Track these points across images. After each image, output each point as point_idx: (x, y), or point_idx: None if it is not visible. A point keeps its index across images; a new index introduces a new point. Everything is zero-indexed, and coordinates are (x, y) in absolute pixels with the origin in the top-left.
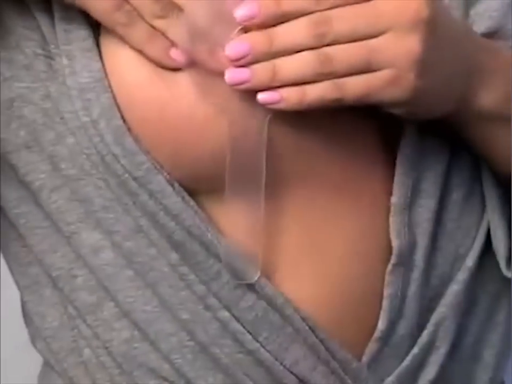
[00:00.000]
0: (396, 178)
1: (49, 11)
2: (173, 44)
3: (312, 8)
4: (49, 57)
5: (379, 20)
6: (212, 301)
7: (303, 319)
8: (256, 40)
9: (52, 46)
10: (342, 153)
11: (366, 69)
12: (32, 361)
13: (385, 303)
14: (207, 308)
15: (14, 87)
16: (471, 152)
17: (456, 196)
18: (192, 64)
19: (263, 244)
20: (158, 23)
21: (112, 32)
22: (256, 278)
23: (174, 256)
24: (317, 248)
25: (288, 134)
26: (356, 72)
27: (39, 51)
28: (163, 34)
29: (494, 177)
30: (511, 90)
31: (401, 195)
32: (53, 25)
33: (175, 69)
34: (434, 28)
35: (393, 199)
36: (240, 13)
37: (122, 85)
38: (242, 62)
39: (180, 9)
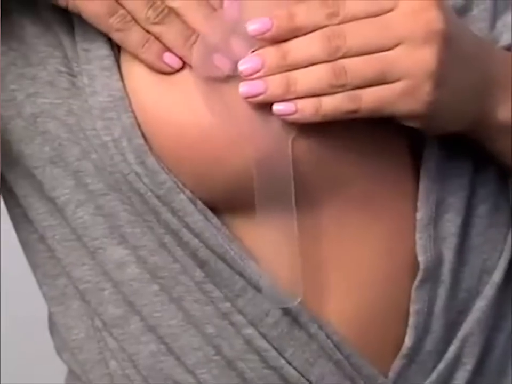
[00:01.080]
0: (420, 194)
1: (71, 30)
2: (167, 49)
3: (324, 22)
4: (71, 75)
5: (392, 32)
6: (237, 317)
7: (328, 335)
8: (269, 55)
9: (74, 65)
10: (367, 170)
11: (380, 80)
12: (57, 371)
13: (412, 319)
14: (232, 324)
15: (38, 103)
16: (496, 167)
17: (482, 209)
18: (210, 86)
19: (301, 265)
20: (154, 28)
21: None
22: (298, 301)
23: (198, 273)
24: (343, 265)
25: (313, 152)
26: (371, 84)
27: (62, 68)
28: (158, 39)
29: None
30: None
31: (427, 210)
32: (75, 44)
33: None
34: (449, 40)
35: (419, 215)
36: (253, 27)
37: (143, 104)
38: (255, 77)
39: (175, 14)
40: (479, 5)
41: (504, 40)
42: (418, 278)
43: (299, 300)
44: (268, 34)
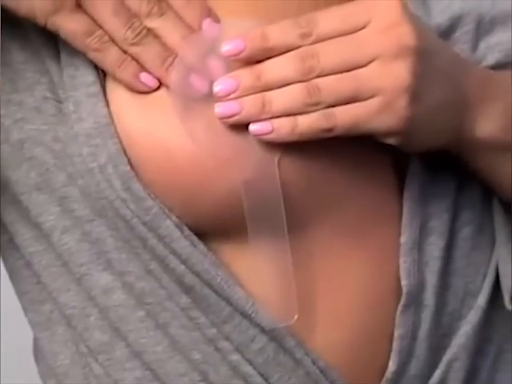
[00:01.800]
0: (404, 217)
1: (57, 55)
2: (143, 69)
3: (298, 43)
4: (58, 101)
5: (364, 49)
6: (223, 343)
7: (314, 361)
8: (243, 77)
9: (61, 91)
10: (353, 191)
11: (355, 98)
12: None
13: (395, 344)
14: (218, 350)
15: (25, 129)
16: (480, 187)
17: (465, 232)
18: (190, 109)
19: (295, 284)
20: (132, 49)
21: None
22: (295, 318)
23: (184, 299)
24: (329, 290)
25: (300, 172)
26: (346, 101)
27: (49, 95)
28: (136, 60)
29: (505, 211)
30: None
31: (410, 234)
32: (61, 70)
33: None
34: (422, 55)
35: (403, 238)
36: (227, 48)
37: (128, 130)
38: (231, 98)
39: (154, 35)
40: (462, 27)
41: (488, 61)
42: (402, 302)
43: (296, 317)
44: (242, 56)
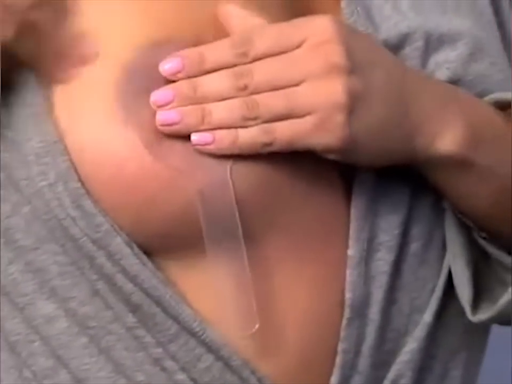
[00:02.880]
0: (351, 231)
1: None
2: None
3: (234, 62)
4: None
5: (295, 68)
6: (169, 363)
7: (260, 380)
8: (180, 88)
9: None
10: (304, 203)
11: (292, 115)
12: None
13: (338, 358)
14: (164, 369)
15: None
16: (432, 201)
17: (415, 246)
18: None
19: (253, 293)
20: None
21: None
22: (256, 327)
23: (130, 319)
24: (273, 305)
25: (252, 178)
26: (283, 118)
27: None
28: None
29: (459, 223)
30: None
31: (358, 248)
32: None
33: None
34: (354, 73)
35: (350, 252)
36: (165, 67)
37: (79, 146)
38: (167, 109)
39: None
40: (411, 44)
41: (438, 78)
42: (346, 315)
43: (257, 326)
44: (179, 76)
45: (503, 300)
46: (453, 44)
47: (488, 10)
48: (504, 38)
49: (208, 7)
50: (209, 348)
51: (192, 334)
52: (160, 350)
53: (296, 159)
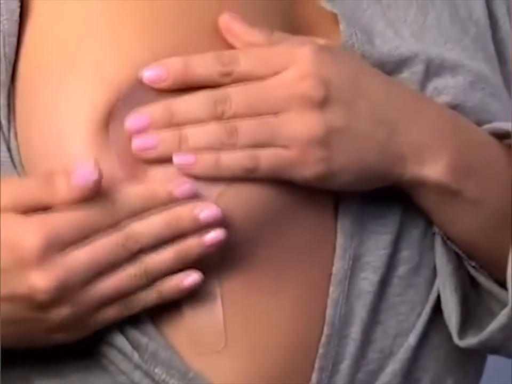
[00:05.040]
0: (337, 249)
1: None
2: None
3: (217, 80)
4: None
5: (273, 99)
6: None
7: None
8: (156, 113)
9: None
10: (294, 222)
11: (271, 143)
12: None
13: (314, 375)
14: None
15: None
16: (422, 225)
17: (402, 270)
18: None
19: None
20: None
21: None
22: (223, 346)
23: None
24: (254, 320)
25: (242, 207)
26: (263, 145)
27: None
28: None
29: (447, 250)
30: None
31: (343, 265)
32: None
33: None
34: (331, 105)
35: (334, 269)
36: (148, 74)
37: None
38: (143, 134)
39: None
40: (411, 67)
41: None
42: (325, 332)
43: (224, 344)
44: (162, 85)
45: (490, 328)
46: (454, 71)
47: (490, 45)
48: (504, 72)
49: (206, 18)
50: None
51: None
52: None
53: (285, 182)
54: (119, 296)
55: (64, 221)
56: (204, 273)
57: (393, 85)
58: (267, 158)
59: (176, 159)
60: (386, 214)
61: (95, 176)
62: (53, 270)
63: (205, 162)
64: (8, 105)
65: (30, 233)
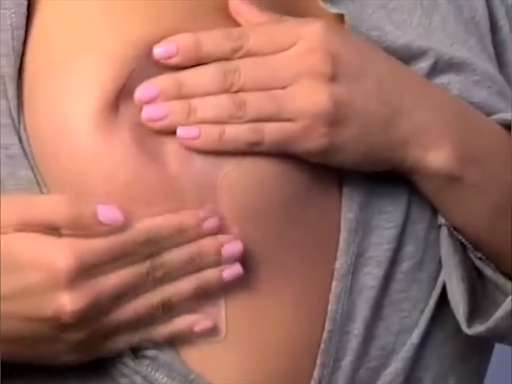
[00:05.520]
0: (340, 244)
1: None
2: None
3: (228, 55)
4: None
5: (282, 73)
6: None
7: None
8: (165, 83)
9: None
10: (298, 214)
11: (279, 116)
12: None
13: (316, 372)
14: None
15: None
16: (427, 220)
17: (407, 265)
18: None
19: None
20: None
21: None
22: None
23: None
24: (254, 317)
25: (249, 191)
26: (269, 119)
27: None
28: None
29: (453, 241)
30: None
31: (346, 260)
32: None
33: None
34: (339, 81)
35: (337, 264)
36: (159, 50)
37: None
38: (153, 104)
39: None
40: (419, 61)
41: None
42: (327, 328)
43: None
44: (173, 61)
45: (496, 315)
46: (460, 69)
47: (490, 47)
48: (504, 75)
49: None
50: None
51: None
52: None
53: (294, 167)
54: (136, 325)
55: (96, 245)
56: None
57: (400, 68)
58: (271, 131)
59: (180, 131)
60: (390, 208)
61: (121, 219)
62: (82, 293)
63: (209, 135)
64: (17, 97)
65: (62, 255)
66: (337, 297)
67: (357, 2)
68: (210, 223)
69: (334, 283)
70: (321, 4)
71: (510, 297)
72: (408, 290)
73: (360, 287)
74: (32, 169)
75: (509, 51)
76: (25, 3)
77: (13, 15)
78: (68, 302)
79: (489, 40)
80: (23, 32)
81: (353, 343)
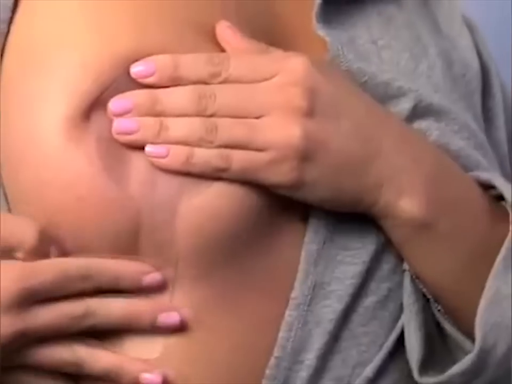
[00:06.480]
0: (298, 274)
1: None
2: None
3: (206, 80)
4: None
5: (257, 102)
6: None
7: None
8: (140, 98)
9: None
10: (265, 241)
11: (248, 145)
12: None
13: None
14: None
15: None
16: (394, 260)
17: (369, 301)
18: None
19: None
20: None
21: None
22: None
23: None
24: (205, 331)
25: (215, 214)
26: (240, 146)
27: None
28: None
29: (415, 289)
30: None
31: (302, 291)
32: None
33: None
34: (315, 116)
35: (293, 293)
36: (137, 69)
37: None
38: (125, 118)
39: None
40: (396, 105)
41: None
42: (274, 354)
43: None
44: (149, 80)
45: (450, 371)
46: (439, 116)
47: (479, 108)
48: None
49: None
50: None
51: None
52: None
53: (260, 198)
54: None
55: (43, 277)
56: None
57: (379, 111)
58: (239, 159)
59: (148, 149)
60: (358, 245)
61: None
62: (15, 321)
63: (177, 156)
64: None
65: (8, 279)
66: (289, 325)
67: (349, 32)
68: (151, 279)
69: (287, 312)
70: (314, 24)
71: (470, 355)
72: (368, 325)
73: (318, 319)
74: None
75: (500, 118)
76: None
77: None
78: None
79: (479, 100)
80: (6, 26)
81: (304, 372)
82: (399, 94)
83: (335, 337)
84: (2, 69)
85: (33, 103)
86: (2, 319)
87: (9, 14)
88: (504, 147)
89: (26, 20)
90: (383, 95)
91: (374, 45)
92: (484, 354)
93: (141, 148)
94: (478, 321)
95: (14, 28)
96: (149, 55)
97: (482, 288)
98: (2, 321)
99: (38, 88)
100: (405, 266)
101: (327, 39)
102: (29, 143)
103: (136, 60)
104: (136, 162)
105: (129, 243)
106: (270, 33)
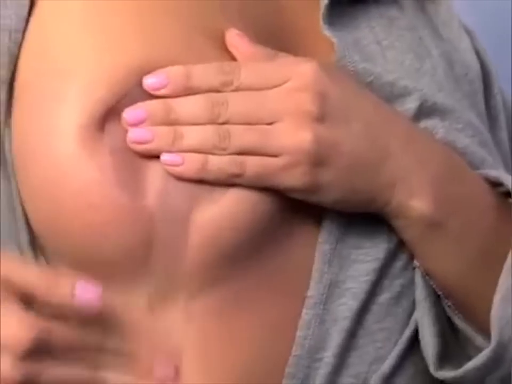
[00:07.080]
0: (314, 273)
1: None
2: None
3: (217, 88)
4: None
5: (269, 108)
6: None
7: None
8: (154, 108)
9: None
10: (275, 241)
11: (261, 151)
12: None
13: None
14: None
15: None
16: (407, 256)
17: (384, 298)
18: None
19: None
20: None
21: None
22: None
23: None
24: (224, 337)
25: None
26: (253, 153)
27: None
28: None
29: (427, 285)
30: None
31: (318, 289)
32: None
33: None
34: (325, 121)
35: (309, 292)
36: (149, 81)
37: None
38: (140, 127)
39: None
40: (403, 105)
41: None
42: (293, 353)
43: None
44: (162, 92)
45: (467, 366)
46: (444, 115)
47: (482, 106)
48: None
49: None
50: None
51: None
52: None
53: (274, 204)
54: None
55: (59, 332)
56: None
57: (388, 111)
58: (253, 164)
59: (164, 157)
60: (369, 244)
61: (98, 304)
62: (25, 372)
63: (192, 164)
64: (7, 102)
65: (24, 328)
66: (306, 324)
67: (353, 33)
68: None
69: (304, 310)
70: (321, 25)
71: (485, 351)
72: (383, 322)
73: (334, 317)
74: (8, 178)
75: (501, 116)
76: (27, 5)
77: (13, 16)
78: (7, 372)
79: (482, 99)
80: (20, 35)
81: (323, 370)
82: (404, 94)
83: (351, 335)
84: (19, 75)
85: (51, 109)
86: (9, 365)
87: (23, 24)
88: (506, 146)
89: (42, 26)
90: (389, 95)
91: (379, 45)
92: (500, 349)
93: (154, 157)
94: (494, 317)
95: (29, 35)
96: (161, 64)
97: (492, 284)
98: (10, 368)
99: (56, 96)
100: (415, 263)
101: (334, 40)
102: (42, 145)
103: (148, 69)
104: (149, 172)
105: (141, 255)
106: (276, 34)
